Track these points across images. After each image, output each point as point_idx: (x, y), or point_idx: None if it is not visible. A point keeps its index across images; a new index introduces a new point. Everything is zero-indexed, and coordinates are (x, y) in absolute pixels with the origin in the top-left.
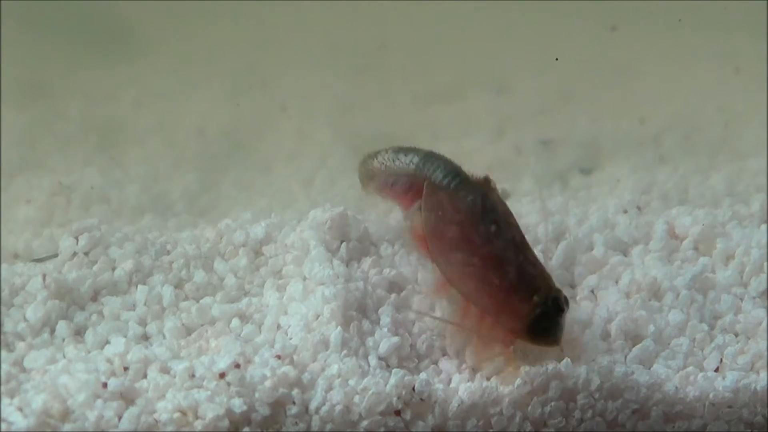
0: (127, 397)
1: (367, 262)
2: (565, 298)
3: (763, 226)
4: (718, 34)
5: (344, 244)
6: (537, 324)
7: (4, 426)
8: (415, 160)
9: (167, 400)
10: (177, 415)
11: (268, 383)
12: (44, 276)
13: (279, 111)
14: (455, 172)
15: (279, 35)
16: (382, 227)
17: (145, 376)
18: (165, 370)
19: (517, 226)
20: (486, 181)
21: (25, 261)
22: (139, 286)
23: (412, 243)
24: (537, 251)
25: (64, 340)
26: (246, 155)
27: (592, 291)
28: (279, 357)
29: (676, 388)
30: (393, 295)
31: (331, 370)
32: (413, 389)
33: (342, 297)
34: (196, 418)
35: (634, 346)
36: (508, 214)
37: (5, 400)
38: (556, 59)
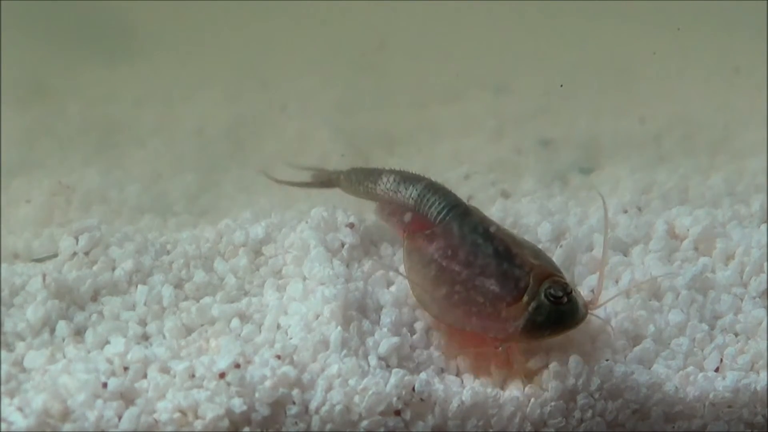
0: (127, 397)
1: (367, 262)
2: (564, 284)
3: (763, 226)
4: (718, 34)
5: (344, 244)
6: (536, 320)
7: (4, 426)
8: (414, 194)
9: (167, 400)
10: (177, 415)
11: (268, 383)
12: (44, 276)
13: (279, 111)
14: (448, 208)
15: (279, 35)
16: (382, 227)
17: (145, 376)
18: (165, 370)
19: (501, 238)
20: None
21: (25, 261)
22: (139, 286)
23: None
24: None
25: (64, 340)
26: (246, 155)
27: (592, 291)
28: (279, 357)
29: (676, 388)
30: (391, 296)
31: (331, 370)
32: (413, 389)
33: (342, 297)
34: (196, 418)
35: (634, 346)
36: (487, 234)
37: (5, 400)
38: (561, 86)
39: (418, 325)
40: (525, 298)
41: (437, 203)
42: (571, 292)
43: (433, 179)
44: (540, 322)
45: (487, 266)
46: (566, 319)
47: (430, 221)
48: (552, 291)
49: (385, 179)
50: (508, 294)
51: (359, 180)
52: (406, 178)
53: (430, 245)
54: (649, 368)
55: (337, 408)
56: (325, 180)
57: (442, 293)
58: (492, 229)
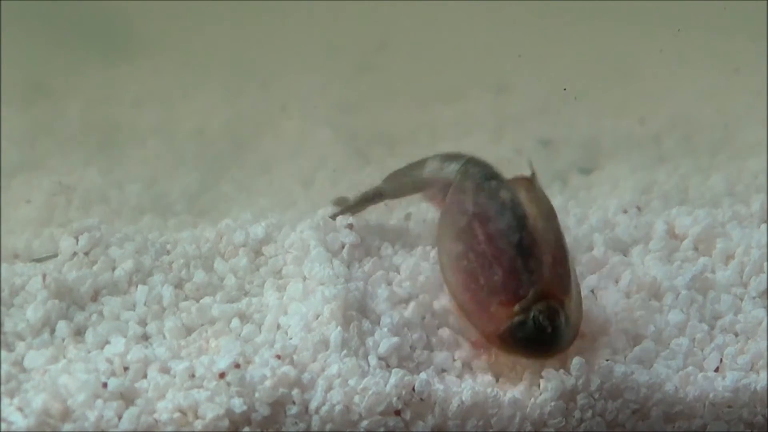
0: (127, 397)
1: (367, 262)
2: (556, 312)
3: (763, 226)
4: (718, 35)
5: (345, 244)
6: (515, 334)
7: (4, 426)
8: (457, 168)
9: (167, 400)
10: (177, 415)
11: (268, 383)
12: (44, 276)
13: (279, 111)
14: (493, 175)
15: (279, 35)
16: (383, 227)
17: (145, 376)
18: (165, 370)
19: (532, 232)
20: (524, 181)
21: (25, 261)
22: (139, 286)
23: None
24: None
25: (64, 340)
26: (246, 155)
27: (592, 291)
28: (279, 357)
29: (676, 388)
30: (392, 296)
31: (331, 370)
32: (413, 389)
33: (342, 297)
34: (196, 418)
35: (634, 346)
36: (532, 217)
37: (5, 400)
38: (564, 89)
39: (418, 325)
40: (516, 308)
41: (482, 171)
42: (560, 324)
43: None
44: (518, 338)
45: (503, 253)
46: (542, 347)
47: (464, 178)
48: (540, 317)
49: (430, 162)
50: (505, 293)
51: (404, 174)
52: (450, 156)
53: (474, 196)
54: (649, 368)
55: (337, 408)
56: (360, 200)
57: (458, 250)
58: (528, 216)
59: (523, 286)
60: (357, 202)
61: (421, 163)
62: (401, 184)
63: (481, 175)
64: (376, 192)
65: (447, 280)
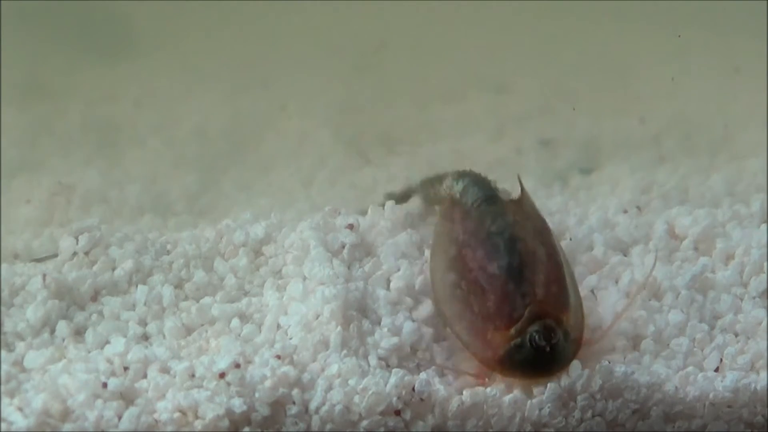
0: (127, 397)
1: (368, 262)
2: (552, 331)
3: (763, 226)
4: (718, 34)
5: (345, 244)
6: (513, 358)
7: (4, 426)
8: (460, 187)
9: (167, 400)
10: (177, 415)
11: (268, 383)
12: (44, 276)
13: (279, 111)
14: (485, 197)
15: (279, 35)
16: (383, 228)
17: (145, 376)
18: (165, 370)
19: (522, 252)
20: (512, 203)
21: (25, 261)
22: (139, 286)
23: None
24: None
25: (64, 340)
26: (246, 155)
27: (592, 291)
28: (279, 357)
29: (676, 388)
30: (392, 296)
31: (331, 370)
32: (413, 389)
33: (342, 297)
34: (196, 418)
35: (634, 346)
36: (521, 239)
37: (5, 400)
38: (573, 109)
39: (418, 326)
40: (512, 331)
41: (477, 190)
42: (558, 342)
43: (479, 173)
44: (517, 361)
45: (495, 279)
46: (542, 368)
47: (454, 200)
48: (537, 337)
49: (446, 179)
50: (500, 319)
51: (431, 185)
52: (460, 174)
53: (463, 224)
54: (649, 368)
55: (337, 408)
56: (401, 194)
57: (451, 280)
58: (517, 238)
59: (517, 309)
60: (400, 195)
61: (442, 178)
62: (427, 193)
63: (473, 199)
64: (412, 190)
65: (443, 312)
